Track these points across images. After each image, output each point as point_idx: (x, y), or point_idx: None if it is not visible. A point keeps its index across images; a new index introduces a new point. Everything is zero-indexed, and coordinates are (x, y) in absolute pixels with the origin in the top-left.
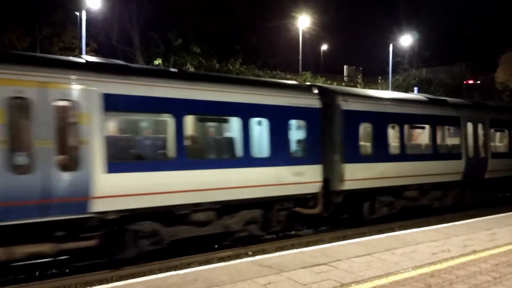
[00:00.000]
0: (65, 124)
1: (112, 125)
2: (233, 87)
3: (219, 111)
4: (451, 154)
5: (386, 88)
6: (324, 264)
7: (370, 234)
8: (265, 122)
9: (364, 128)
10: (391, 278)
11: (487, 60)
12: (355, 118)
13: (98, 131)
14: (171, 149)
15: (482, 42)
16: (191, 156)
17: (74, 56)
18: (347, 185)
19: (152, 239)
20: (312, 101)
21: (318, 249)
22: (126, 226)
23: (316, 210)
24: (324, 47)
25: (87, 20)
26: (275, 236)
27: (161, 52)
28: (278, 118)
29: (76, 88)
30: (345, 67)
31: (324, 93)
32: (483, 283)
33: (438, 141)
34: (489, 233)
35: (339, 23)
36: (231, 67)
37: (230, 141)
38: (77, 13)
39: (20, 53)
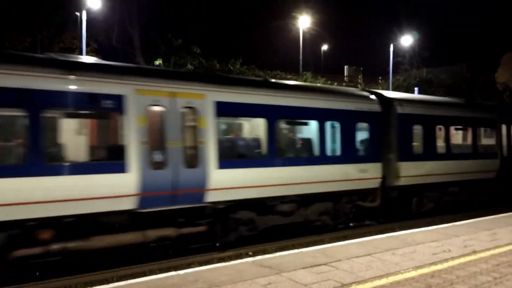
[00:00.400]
0: (189, 127)
1: (221, 128)
2: (313, 95)
3: (302, 116)
4: (488, 153)
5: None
6: (324, 264)
7: (371, 234)
8: (337, 125)
9: (416, 130)
10: (392, 279)
11: (488, 60)
12: (408, 120)
13: (212, 133)
14: (265, 149)
15: (482, 42)
16: (280, 155)
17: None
18: (402, 181)
19: (249, 226)
20: (374, 106)
21: (318, 249)
22: (229, 215)
23: (375, 204)
24: (325, 47)
25: (87, 20)
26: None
27: (161, 52)
28: (347, 121)
29: (196, 97)
30: (345, 67)
31: (383, 99)
32: (484, 283)
33: (478, 141)
34: (489, 233)
35: (339, 23)
36: (231, 67)
37: (309, 142)
38: (78, 13)
39: (154, 68)
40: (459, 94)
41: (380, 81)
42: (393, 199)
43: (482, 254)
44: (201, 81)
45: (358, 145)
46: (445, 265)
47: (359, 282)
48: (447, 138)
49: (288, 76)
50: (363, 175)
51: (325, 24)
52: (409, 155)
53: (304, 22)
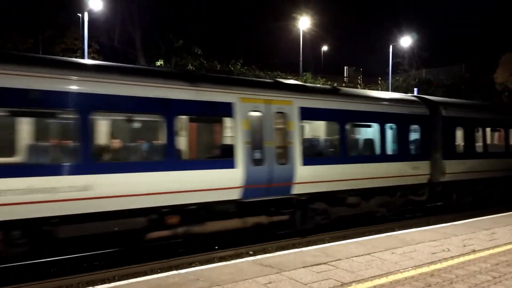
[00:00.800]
0: (279, 130)
1: (304, 130)
2: (375, 100)
3: (366, 119)
4: None
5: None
6: (324, 263)
7: (370, 233)
8: (394, 127)
9: (458, 131)
10: (391, 278)
11: (487, 60)
12: (451, 123)
13: (297, 134)
14: (337, 148)
15: (481, 42)
16: (349, 154)
17: (76, 57)
18: (446, 178)
19: (323, 216)
20: (423, 110)
21: (318, 249)
22: (308, 205)
23: (423, 198)
24: (325, 48)
25: (89, 22)
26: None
27: (162, 53)
28: (402, 124)
29: (286, 103)
30: (345, 67)
31: (429, 103)
32: (483, 282)
33: (510, 141)
34: (488, 233)
35: (339, 24)
36: (232, 68)
37: (372, 142)
38: (79, 15)
39: (253, 79)
40: (458, 95)
41: (379, 81)
42: (438, 194)
43: (481, 254)
44: (289, 90)
45: (410, 145)
46: (445, 264)
47: (359, 281)
48: (484, 138)
49: (288, 77)
50: (415, 172)
51: (325, 25)
52: (452, 154)
53: (304, 23)
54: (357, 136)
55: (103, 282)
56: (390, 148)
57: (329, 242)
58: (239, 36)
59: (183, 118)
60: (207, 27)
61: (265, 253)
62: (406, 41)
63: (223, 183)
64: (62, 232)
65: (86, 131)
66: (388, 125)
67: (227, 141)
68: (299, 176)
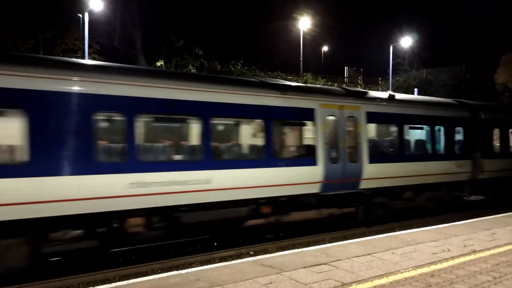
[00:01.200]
0: (350, 132)
1: (369, 132)
2: (426, 105)
3: (419, 122)
4: None
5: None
6: (325, 264)
7: (371, 234)
8: (442, 129)
9: (494, 132)
10: (392, 278)
11: (487, 60)
12: (489, 125)
13: (364, 136)
14: (396, 148)
15: (482, 43)
16: (405, 153)
17: (76, 57)
18: (485, 175)
19: (383, 209)
20: (465, 113)
21: (318, 249)
22: (372, 199)
23: (465, 194)
24: (325, 48)
25: (89, 22)
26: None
27: (163, 53)
28: (448, 126)
29: (355, 108)
30: (345, 68)
31: (469, 106)
32: (483, 282)
33: None
34: (489, 233)
35: (339, 24)
36: (232, 69)
37: (424, 142)
38: (80, 15)
39: (329, 88)
40: (458, 95)
41: (380, 82)
42: (477, 190)
43: (482, 254)
44: (358, 96)
45: (455, 145)
46: (445, 264)
47: (359, 282)
48: None
49: (289, 77)
50: (459, 170)
51: (325, 25)
52: (490, 153)
53: (304, 23)
54: (412, 137)
55: (103, 282)
56: (438, 148)
57: (329, 242)
58: (240, 36)
59: (276, 122)
60: (207, 27)
61: (266, 253)
62: (406, 41)
63: (307, 178)
64: (186, 219)
65: (208, 133)
66: (437, 127)
67: (310, 142)
68: (366, 173)
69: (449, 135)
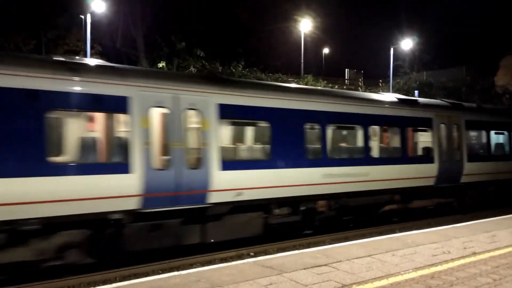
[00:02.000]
0: (456, 136)
1: (469, 136)
2: (505, 113)
3: (501, 128)
4: None
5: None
6: (325, 265)
7: (371, 235)
8: (506, 133)
9: None
10: (392, 280)
11: (488, 61)
12: None
13: (464, 140)
14: (485, 149)
15: (482, 45)
16: (491, 153)
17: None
18: None
19: (475, 200)
20: None
21: (319, 250)
22: (467, 191)
23: None
24: (326, 50)
25: (91, 23)
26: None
27: (164, 55)
28: (507, 130)
29: (458, 117)
30: (346, 70)
31: None
32: (483, 284)
33: None
34: (489, 235)
35: (340, 26)
36: (233, 70)
37: (501, 146)
38: (82, 16)
39: (442, 103)
40: (459, 97)
41: (380, 84)
42: None
43: (482, 256)
44: (459, 108)
45: (506, 147)
46: (445, 266)
47: (359, 283)
48: None
49: (290, 79)
50: (505, 169)
51: (326, 28)
52: None
53: (305, 25)
54: (494, 140)
55: (104, 283)
56: (504, 149)
57: (329, 243)
58: (240, 38)
59: (408, 129)
60: (208, 29)
61: (266, 254)
62: (407, 44)
63: (427, 173)
64: (350, 203)
65: (368, 138)
66: (493, 132)
67: (427, 145)
68: (466, 170)
69: (508, 138)
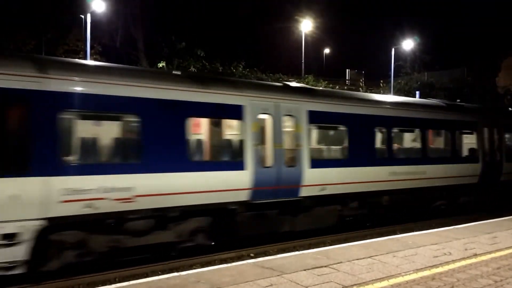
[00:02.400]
0: (503, 139)
1: (506, 138)
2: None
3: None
4: None
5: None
6: (325, 266)
7: (372, 236)
8: None
9: None
10: (392, 281)
11: (489, 61)
12: None
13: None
14: (497, 152)
15: (484, 46)
16: (508, 158)
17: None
18: None
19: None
20: None
21: (319, 251)
22: (508, 187)
23: None
24: (327, 50)
25: (91, 23)
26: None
27: (165, 55)
28: None
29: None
30: (347, 70)
31: None
32: (484, 286)
33: None
34: (490, 237)
35: (341, 27)
36: (234, 70)
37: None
38: (82, 16)
39: (486, 108)
40: (460, 98)
41: (381, 84)
42: None
43: (483, 257)
44: (498, 112)
45: None
46: (446, 267)
47: (360, 284)
48: None
49: (290, 79)
50: None
51: (327, 28)
52: None
53: (306, 25)
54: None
55: (103, 283)
56: None
57: (330, 245)
58: (241, 38)
59: (457, 132)
60: (209, 29)
61: (266, 255)
62: (408, 44)
63: (472, 172)
64: (383, 201)
65: (425, 140)
66: None
67: (473, 146)
68: (505, 169)
69: None
